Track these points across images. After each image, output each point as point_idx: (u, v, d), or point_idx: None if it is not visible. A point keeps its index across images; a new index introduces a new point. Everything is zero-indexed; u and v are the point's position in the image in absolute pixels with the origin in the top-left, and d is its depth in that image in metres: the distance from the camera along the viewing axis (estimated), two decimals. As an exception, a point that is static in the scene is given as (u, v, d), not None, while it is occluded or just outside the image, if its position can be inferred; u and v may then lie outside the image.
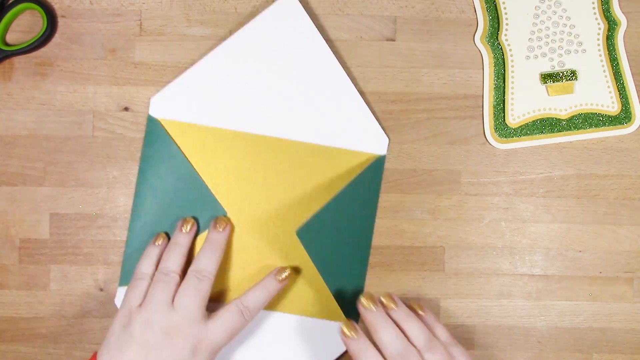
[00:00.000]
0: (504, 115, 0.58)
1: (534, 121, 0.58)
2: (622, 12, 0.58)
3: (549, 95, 0.58)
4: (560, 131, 0.58)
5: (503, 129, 0.58)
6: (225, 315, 0.52)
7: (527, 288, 0.58)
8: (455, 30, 0.59)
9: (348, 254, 0.57)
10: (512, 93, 0.58)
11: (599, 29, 0.58)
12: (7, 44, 0.58)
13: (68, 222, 0.58)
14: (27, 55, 0.58)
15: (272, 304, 0.57)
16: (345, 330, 0.51)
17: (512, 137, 0.58)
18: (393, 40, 0.59)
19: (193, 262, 0.54)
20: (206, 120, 0.57)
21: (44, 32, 0.57)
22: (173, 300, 0.52)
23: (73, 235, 0.58)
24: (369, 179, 0.58)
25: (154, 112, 0.57)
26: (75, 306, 0.58)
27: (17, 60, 0.58)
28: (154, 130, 0.57)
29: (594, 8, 0.58)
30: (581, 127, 0.58)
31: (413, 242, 0.58)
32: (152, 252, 0.55)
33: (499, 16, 0.58)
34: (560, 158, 0.59)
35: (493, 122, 0.58)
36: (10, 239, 0.58)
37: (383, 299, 0.52)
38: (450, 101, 0.58)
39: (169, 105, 0.57)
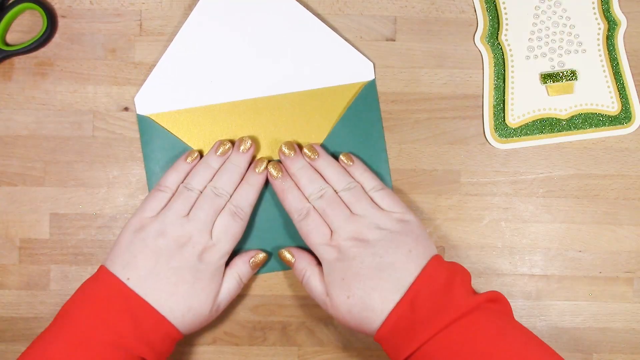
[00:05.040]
0: (504, 115, 0.58)
1: (534, 121, 0.58)
2: (622, 12, 0.58)
3: (549, 95, 0.58)
4: (560, 131, 0.58)
5: (503, 129, 0.58)
6: (220, 221, 0.53)
7: (527, 288, 0.58)
8: (455, 30, 0.59)
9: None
10: (512, 93, 0.58)
11: (599, 29, 0.58)
12: (7, 44, 0.58)
13: (68, 222, 0.58)
14: (27, 55, 0.58)
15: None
16: (272, 170, 0.54)
17: (512, 137, 0.58)
18: (393, 40, 0.59)
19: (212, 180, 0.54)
20: (193, 102, 0.57)
21: (44, 32, 0.57)
22: (189, 213, 0.53)
23: (73, 235, 0.58)
24: (365, 102, 0.58)
25: (141, 110, 0.57)
26: (75, 306, 0.58)
27: (17, 60, 0.58)
28: (148, 127, 0.57)
29: (593, 8, 0.58)
30: (581, 127, 0.58)
31: (413, 242, 0.58)
32: (181, 168, 0.55)
33: (499, 16, 0.58)
34: (560, 158, 0.59)
35: (493, 122, 0.58)
36: (10, 239, 0.58)
37: (306, 150, 0.55)
38: (450, 101, 0.58)
39: (153, 99, 0.57)
